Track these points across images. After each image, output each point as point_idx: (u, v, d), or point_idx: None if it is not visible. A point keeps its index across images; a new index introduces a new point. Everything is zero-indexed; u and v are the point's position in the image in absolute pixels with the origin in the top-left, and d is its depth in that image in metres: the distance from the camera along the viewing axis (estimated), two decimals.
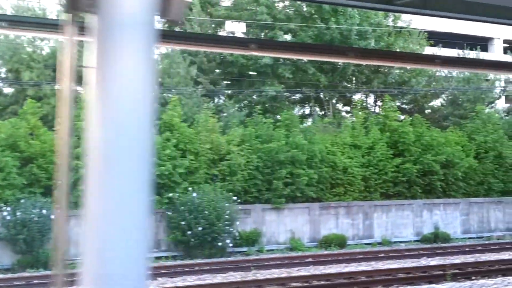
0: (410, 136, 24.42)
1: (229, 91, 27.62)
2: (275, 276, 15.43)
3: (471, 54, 33.17)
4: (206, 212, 19.39)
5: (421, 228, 24.05)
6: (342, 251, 20.76)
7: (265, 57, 25.46)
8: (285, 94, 28.66)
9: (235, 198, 20.60)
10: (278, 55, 10.14)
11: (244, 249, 20.74)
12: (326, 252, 20.35)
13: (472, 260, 18.02)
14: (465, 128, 27.49)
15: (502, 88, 34.41)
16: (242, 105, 28.07)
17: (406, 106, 32.79)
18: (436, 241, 23.29)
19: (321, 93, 29.07)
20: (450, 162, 24.67)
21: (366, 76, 28.97)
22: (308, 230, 22.31)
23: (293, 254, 20.23)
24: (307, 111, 31.80)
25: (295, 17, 27.84)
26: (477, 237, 24.94)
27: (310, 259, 18.56)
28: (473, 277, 14.92)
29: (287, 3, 28.79)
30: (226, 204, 19.92)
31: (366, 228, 23.19)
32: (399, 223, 23.75)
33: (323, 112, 29.94)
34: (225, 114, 24.55)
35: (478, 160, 26.04)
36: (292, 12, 28.48)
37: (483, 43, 48.24)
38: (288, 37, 28.36)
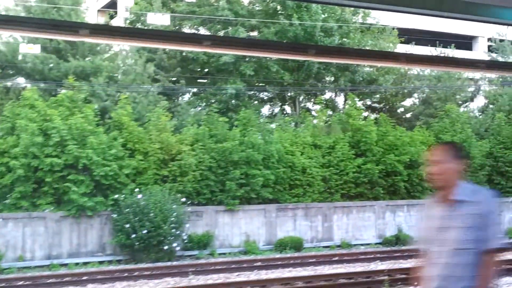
0: (373, 135, 23.66)
1: (190, 89, 26.88)
2: (210, 282, 14.71)
3: (445, 52, 32.45)
4: (152, 214, 18.63)
5: (384, 230, 23.30)
6: (296, 254, 20.02)
7: (226, 54, 24.71)
8: (249, 92, 27.87)
9: (184, 199, 19.84)
10: (115, 41, 9.42)
11: (195, 252, 19.98)
12: (278, 256, 19.61)
13: None
14: (433, 127, 26.70)
15: (477, 87, 33.66)
16: (209, 103, 27.25)
17: (377, 105, 32.09)
18: (398, 243, 22.56)
19: (288, 92, 28.30)
20: (415, 162, 23.94)
21: (333, 74, 28.22)
22: (264, 232, 21.53)
23: (244, 258, 19.46)
24: (277, 110, 31.03)
25: (258, 13, 27.09)
26: None
27: (259, 263, 17.83)
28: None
29: None
30: (174, 206, 19.14)
31: (325, 231, 22.42)
32: (360, 225, 22.99)
33: (290, 111, 29.21)
34: (180, 113, 23.76)
35: None
36: (256, 8, 27.72)
37: (468, 41, 47.90)
38: (254, 34, 27.63)
